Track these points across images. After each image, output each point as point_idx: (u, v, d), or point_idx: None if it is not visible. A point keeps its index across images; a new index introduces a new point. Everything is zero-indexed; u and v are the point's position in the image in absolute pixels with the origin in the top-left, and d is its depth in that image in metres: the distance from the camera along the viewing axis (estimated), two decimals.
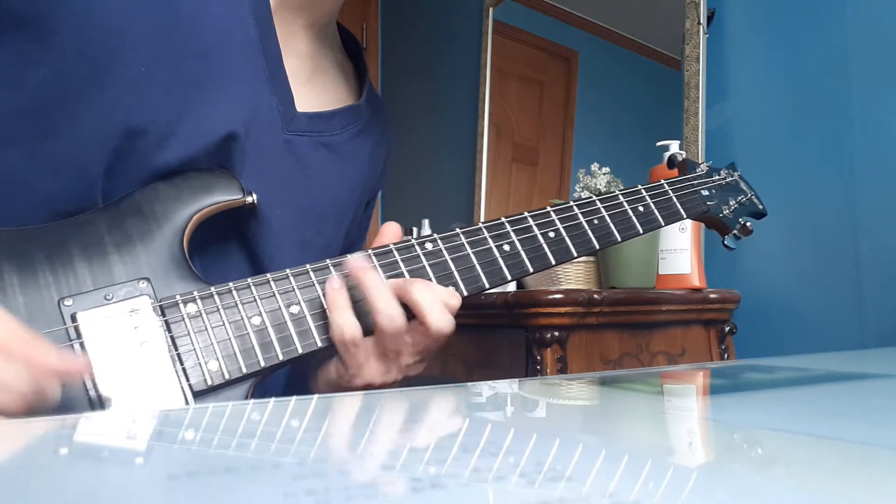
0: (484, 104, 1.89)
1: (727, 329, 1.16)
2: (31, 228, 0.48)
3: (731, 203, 0.67)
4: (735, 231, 0.67)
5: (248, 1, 0.55)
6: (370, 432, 0.29)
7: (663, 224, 0.61)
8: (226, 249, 0.57)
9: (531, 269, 0.55)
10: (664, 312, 1.09)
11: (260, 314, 0.48)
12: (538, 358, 0.99)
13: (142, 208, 0.50)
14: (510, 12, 1.85)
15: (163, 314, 0.46)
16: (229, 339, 0.47)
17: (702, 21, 1.28)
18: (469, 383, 0.42)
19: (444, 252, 0.53)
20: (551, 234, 0.56)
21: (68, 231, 0.48)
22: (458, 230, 0.54)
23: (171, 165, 0.51)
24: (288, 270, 0.50)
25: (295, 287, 0.49)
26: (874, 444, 0.25)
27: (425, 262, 0.52)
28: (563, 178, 1.67)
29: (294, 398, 0.37)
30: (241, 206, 0.53)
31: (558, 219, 0.57)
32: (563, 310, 0.99)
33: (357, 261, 0.50)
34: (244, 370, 0.46)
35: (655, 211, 0.61)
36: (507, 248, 0.55)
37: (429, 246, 0.53)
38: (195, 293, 0.47)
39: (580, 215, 0.58)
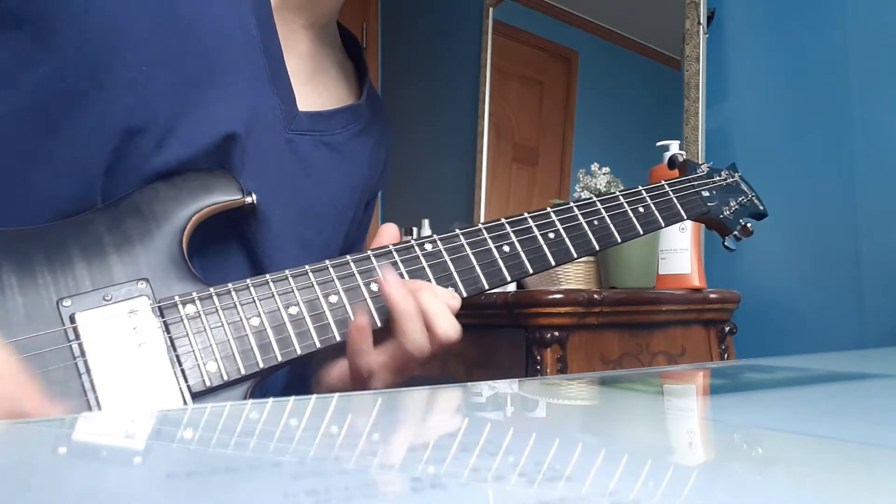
0: (484, 104, 1.89)
1: (727, 329, 1.16)
2: (31, 228, 0.48)
3: (731, 204, 0.66)
4: (735, 232, 0.67)
5: (249, 1, 0.55)
6: (370, 432, 0.29)
7: (663, 225, 0.61)
8: (225, 250, 0.57)
9: (531, 270, 0.55)
10: (664, 312, 1.09)
11: (259, 315, 0.48)
12: (538, 358, 0.99)
13: (141, 208, 0.50)
14: (510, 12, 1.85)
15: (161, 315, 0.46)
16: (228, 340, 0.47)
17: (702, 21, 1.28)
18: (469, 383, 0.42)
19: (444, 253, 0.53)
20: (551, 235, 0.56)
21: (67, 231, 0.48)
22: (457, 231, 0.54)
23: (170, 165, 0.51)
24: (287, 271, 0.50)
25: (294, 288, 0.49)
26: (874, 444, 0.25)
27: (425, 263, 0.52)
28: (563, 178, 1.67)
29: (293, 398, 0.37)
30: (240, 207, 0.53)
31: (558, 219, 0.57)
32: (563, 310, 0.99)
33: (392, 288, 0.49)
34: (243, 371, 0.46)
35: (656, 212, 0.61)
36: (506, 248, 0.55)
37: (428, 247, 0.53)
38: (194, 294, 0.47)
39: (580, 216, 0.58)
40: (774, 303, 1.17)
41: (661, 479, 0.19)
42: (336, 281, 0.50)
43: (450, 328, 0.49)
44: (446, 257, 0.53)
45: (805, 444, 0.25)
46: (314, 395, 0.52)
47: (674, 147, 1.17)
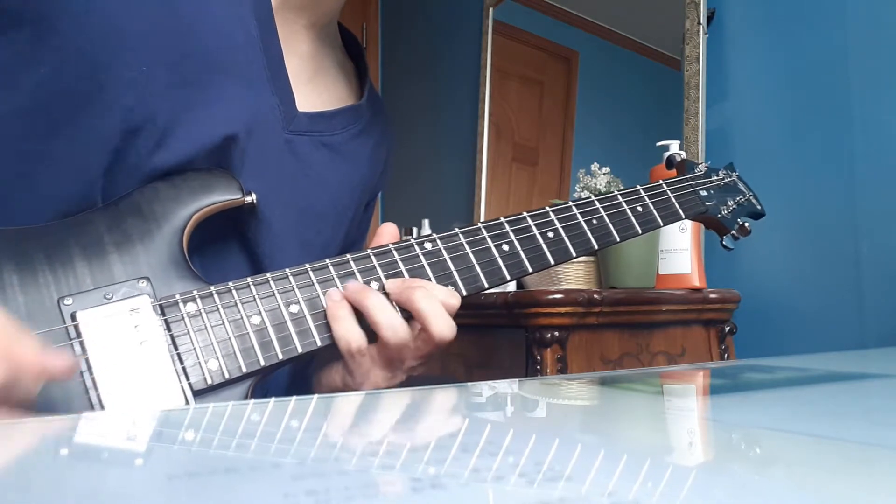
0: (484, 104, 1.89)
1: (727, 329, 1.16)
2: (31, 228, 0.48)
3: (729, 203, 0.67)
4: (733, 231, 0.67)
5: (249, 1, 0.55)
6: (370, 432, 0.29)
7: (662, 224, 0.61)
8: (225, 249, 0.57)
9: (530, 269, 0.55)
10: (664, 312, 1.09)
11: (259, 313, 0.48)
12: (538, 358, 0.99)
13: (141, 208, 0.50)
14: (510, 12, 1.85)
15: (162, 313, 0.46)
16: (229, 338, 0.47)
17: (702, 21, 1.28)
18: (469, 383, 0.42)
19: (444, 252, 0.53)
20: (550, 235, 0.56)
21: (68, 230, 0.48)
22: (457, 230, 0.54)
23: (170, 165, 0.51)
24: (287, 270, 0.50)
25: (294, 286, 0.49)
26: (874, 444, 0.25)
27: (424, 262, 0.52)
28: (563, 178, 1.67)
29: (294, 398, 0.37)
30: (240, 206, 0.53)
31: (557, 219, 0.57)
32: (563, 310, 0.99)
33: (353, 287, 0.50)
34: (244, 369, 0.46)
35: (654, 211, 0.61)
36: (506, 248, 0.55)
37: (428, 246, 0.53)
38: (195, 292, 0.47)
39: (579, 215, 0.58)
40: (774, 303, 1.17)
41: (661, 479, 0.19)
42: (336, 279, 0.50)
43: (445, 328, 0.49)
44: (446, 256, 0.53)
45: (805, 444, 0.25)
46: (315, 396, 0.52)
47: (674, 147, 1.17)
